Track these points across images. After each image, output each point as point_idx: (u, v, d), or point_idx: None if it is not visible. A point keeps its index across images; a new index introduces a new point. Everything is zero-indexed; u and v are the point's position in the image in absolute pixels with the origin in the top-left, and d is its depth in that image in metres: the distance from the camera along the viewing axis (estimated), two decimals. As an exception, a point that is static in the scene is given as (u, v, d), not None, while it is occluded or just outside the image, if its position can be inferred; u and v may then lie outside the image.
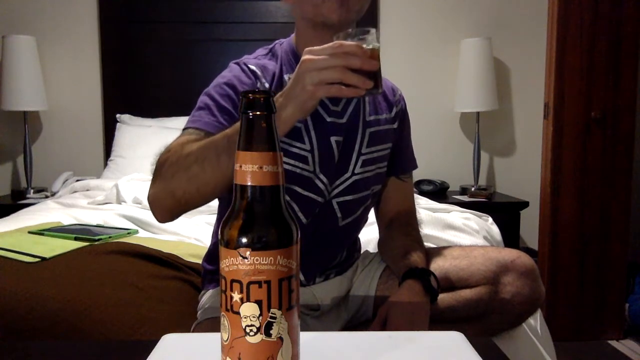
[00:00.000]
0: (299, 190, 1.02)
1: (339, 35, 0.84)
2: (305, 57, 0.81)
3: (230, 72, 1.02)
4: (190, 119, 0.99)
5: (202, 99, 1.01)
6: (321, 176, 1.03)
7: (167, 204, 0.91)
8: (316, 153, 1.01)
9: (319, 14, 0.97)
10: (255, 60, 1.05)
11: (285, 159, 0.99)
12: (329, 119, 1.03)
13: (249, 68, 1.02)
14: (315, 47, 0.82)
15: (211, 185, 0.87)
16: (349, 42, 0.81)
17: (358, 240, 1.23)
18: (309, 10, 0.99)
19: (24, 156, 2.59)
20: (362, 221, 1.16)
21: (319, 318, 1.11)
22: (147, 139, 2.51)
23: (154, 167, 0.93)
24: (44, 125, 2.73)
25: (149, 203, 0.93)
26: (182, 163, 0.87)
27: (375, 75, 0.83)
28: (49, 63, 2.67)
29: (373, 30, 0.85)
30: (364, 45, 0.82)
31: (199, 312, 1.09)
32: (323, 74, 0.79)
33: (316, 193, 1.03)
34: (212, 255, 1.15)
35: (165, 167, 0.90)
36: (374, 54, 0.83)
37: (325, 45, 0.81)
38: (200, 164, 0.85)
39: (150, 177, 0.94)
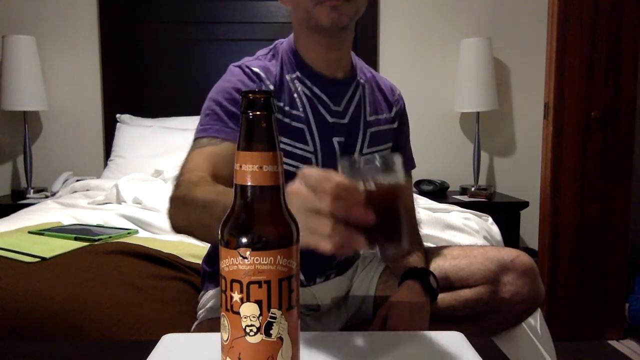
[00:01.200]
0: None
1: (343, 160, 0.61)
2: (293, 187, 0.60)
3: (234, 77, 1.00)
4: (199, 128, 0.98)
5: (208, 104, 0.99)
6: None
7: (177, 229, 0.92)
8: (319, 154, 1.01)
9: (311, 18, 0.97)
10: (257, 61, 1.04)
11: (289, 161, 0.99)
12: (331, 120, 1.03)
13: (251, 70, 1.01)
14: (310, 173, 0.60)
15: (207, 238, 0.87)
16: (343, 181, 0.57)
17: None
18: (302, 14, 0.99)
19: (24, 156, 2.58)
20: None
21: (319, 318, 1.11)
22: (147, 139, 2.51)
23: (171, 190, 0.93)
24: (44, 125, 2.73)
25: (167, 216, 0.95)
26: (187, 207, 0.86)
27: (385, 228, 0.55)
28: (49, 63, 2.67)
29: (395, 158, 0.59)
30: (371, 183, 0.56)
31: (198, 313, 1.09)
32: (303, 220, 0.57)
33: None
34: (212, 256, 1.15)
35: (175, 199, 0.90)
36: (385, 194, 0.55)
37: (319, 177, 0.59)
38: (197, 218, 0.83)
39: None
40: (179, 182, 0.91)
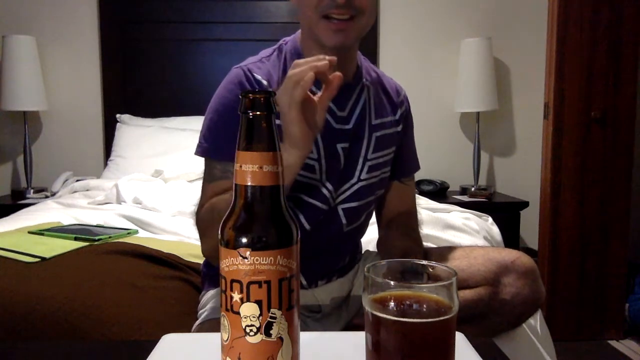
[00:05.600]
0: (305, 197, 1.00)
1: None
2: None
3: (236, 85, 0.98)
4: (206, 145, 0.98)
5: (213, 117, 0.98)
6: (327, 184, 1.01)
7: (216, 257, 0.95)
8: (323, 161, 1.00)
9: (313, 33, 0.95)
10: (260, 64, 1.01)
11: None
12: (336, 126, 1.01)
13: (254, 78, 0.98)
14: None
15: None
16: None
17: (360, 243, 1.23)
18: (305, 25, 0.97)
19: (24, 156, 2.58)
20: (365, 226, 1.15)
21: (320, 320, 1.11)
22: (147, 139, 2.51)
23: (195, 221, 0.97)
24: (44, 125, 2.73)
25: (205, 256, 0.99)
26: (214, 228, 0.89)
27: None
28: (49, 63, 2.67)
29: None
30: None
31: (199, 313, 1.09)
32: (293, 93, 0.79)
33: (321, 201, 1.02)
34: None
35: (203, 225, 0.94)
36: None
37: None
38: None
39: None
40: (200, 216, 0.95)
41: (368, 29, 0.98)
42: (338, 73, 0.81)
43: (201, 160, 1.00)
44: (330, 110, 1.00)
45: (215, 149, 0.96)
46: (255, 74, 0.99)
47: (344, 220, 1.06)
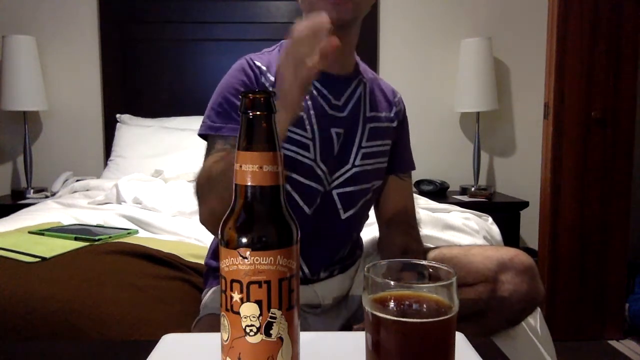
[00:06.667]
0: (300, 179, 1.03)
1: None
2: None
3: (239, 71, 1.04)
4: (210, 124, 1.01)
5: (217, 100, 1.02)
6: (321, 165, 1.04)
7: (213, 221, 0.93)
8: (317, 142, 1.03)
9: (314, 11, 0.98)
10: (262, 55, 1.07)
11: (287, 146, 1.01)
12: (330, 112, 1.05)
13: (255, 64, 1.04)
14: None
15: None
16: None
17: (360, 238, 1.24)
18: (306, 8, 1.01)
19: (24, 156, 2.59)
20: (363, 217, 1.17)
21: (320, 316, 1.11)
22: (147, 139, 2.51)
23: (195, 189, 0.96)
24: (44, 125, 2.73)
25: (202, 223, 0.96)
26: (213, 185, 0.89)
27: None
28: (49, 63, 2.67)
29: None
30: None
31: (201, 308, 1.10)
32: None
33: (316, 182, 1.05)
34: (217, 252, 1.15)
35: (201, 190, 0.93)
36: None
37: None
38: (226, 185, 0.84)
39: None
40: (200, 181, 0.93)
41: (368, 9, 1.03)
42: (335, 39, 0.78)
43: (200, 160, 1.02)
44: (325, 97, 1.05)
45: (218, 127, 1.00)
46: (255, 61, 1.05)
47: (339, 205, 1.08)
